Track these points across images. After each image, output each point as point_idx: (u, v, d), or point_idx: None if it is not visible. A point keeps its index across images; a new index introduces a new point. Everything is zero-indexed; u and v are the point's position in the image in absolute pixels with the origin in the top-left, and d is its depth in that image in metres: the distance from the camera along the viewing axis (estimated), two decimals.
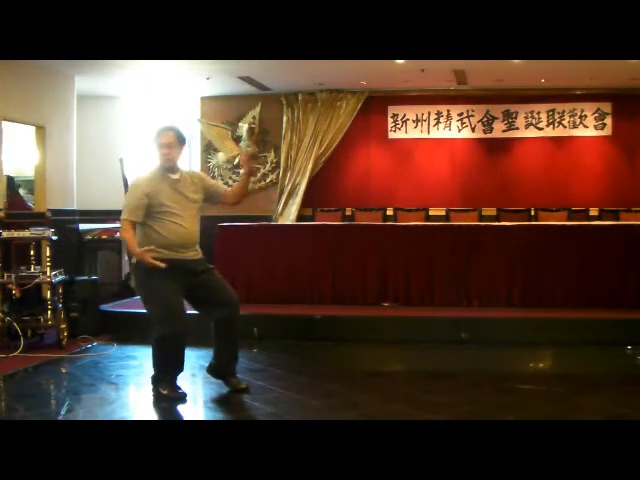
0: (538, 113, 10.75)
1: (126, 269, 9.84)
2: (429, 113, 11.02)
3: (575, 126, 10.68)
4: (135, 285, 4.79)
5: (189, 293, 4.81)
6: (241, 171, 5.00)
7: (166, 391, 4.72)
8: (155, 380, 4.80)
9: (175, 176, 4.82)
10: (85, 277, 7.63)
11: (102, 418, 4.40)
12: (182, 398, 4.75)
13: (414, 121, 11.06)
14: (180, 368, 4.81)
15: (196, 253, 4.86)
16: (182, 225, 4.73)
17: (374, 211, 10.60)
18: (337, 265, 7.58)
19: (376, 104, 11.07)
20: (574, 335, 6.48)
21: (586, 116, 10.64)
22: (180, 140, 4.88)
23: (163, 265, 4.55)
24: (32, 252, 6.63)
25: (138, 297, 8.54)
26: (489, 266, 7.34)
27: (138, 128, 11.38)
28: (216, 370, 5.05)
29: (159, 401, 4.70)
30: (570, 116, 10.69)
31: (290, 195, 11.11)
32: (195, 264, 4.83)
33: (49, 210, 8.00)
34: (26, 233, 6.60)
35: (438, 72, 9.47)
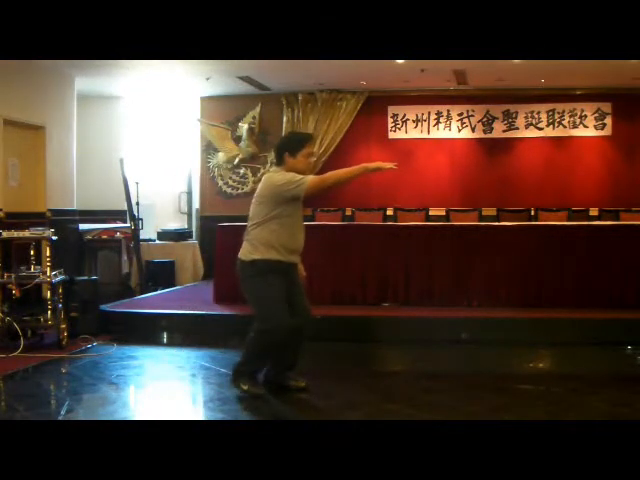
0: (538, 113, 10.75)
1: (126, 269, 9.84)
2: (429, 113, 11.03)
3: (575, 126, 10.69)
4: (243, 281, 4.78)
5: None
6: None
7: (247, 386, 4.76)
8: (237, 374, 4.83)
9: None
10: (85, 277, 7.63)
11: (103, 418, 4.39)
12: (260, 395, 4.77)
13: (414, 121, 11.06)
14: (265, 364, 4.88)
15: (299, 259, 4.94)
16: (302, 229, 4.83)
17: (374, 211, 10.59)
18: (337, 265, 7.57)
19: (376, 104, 11.07)
20: (574, 335, 6.48)
21: (586, 116, 10.65)
22: None
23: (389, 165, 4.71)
24: (32, 252, 6.61)
25: (139, 297, 8.59)
26: (489, 266, 7.34)
27: (138, 128, 11.39)
28: (272, 377, 4.98)
29: (241, 397, 4.73)
30: (570, 116, 10.69)
31: None
32: (296, 269, 4.90)
33: (49, 210, 8.00)
34: (26, 233, 6.58)
35: (438, 72, 9.47)
